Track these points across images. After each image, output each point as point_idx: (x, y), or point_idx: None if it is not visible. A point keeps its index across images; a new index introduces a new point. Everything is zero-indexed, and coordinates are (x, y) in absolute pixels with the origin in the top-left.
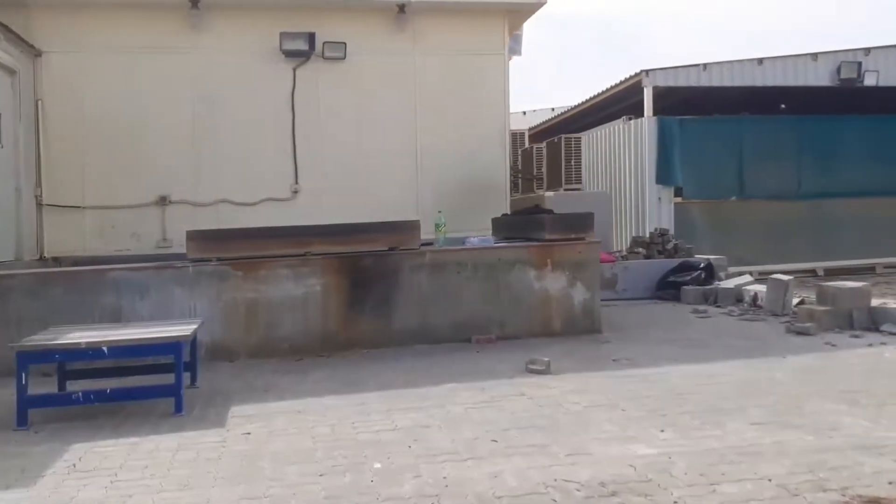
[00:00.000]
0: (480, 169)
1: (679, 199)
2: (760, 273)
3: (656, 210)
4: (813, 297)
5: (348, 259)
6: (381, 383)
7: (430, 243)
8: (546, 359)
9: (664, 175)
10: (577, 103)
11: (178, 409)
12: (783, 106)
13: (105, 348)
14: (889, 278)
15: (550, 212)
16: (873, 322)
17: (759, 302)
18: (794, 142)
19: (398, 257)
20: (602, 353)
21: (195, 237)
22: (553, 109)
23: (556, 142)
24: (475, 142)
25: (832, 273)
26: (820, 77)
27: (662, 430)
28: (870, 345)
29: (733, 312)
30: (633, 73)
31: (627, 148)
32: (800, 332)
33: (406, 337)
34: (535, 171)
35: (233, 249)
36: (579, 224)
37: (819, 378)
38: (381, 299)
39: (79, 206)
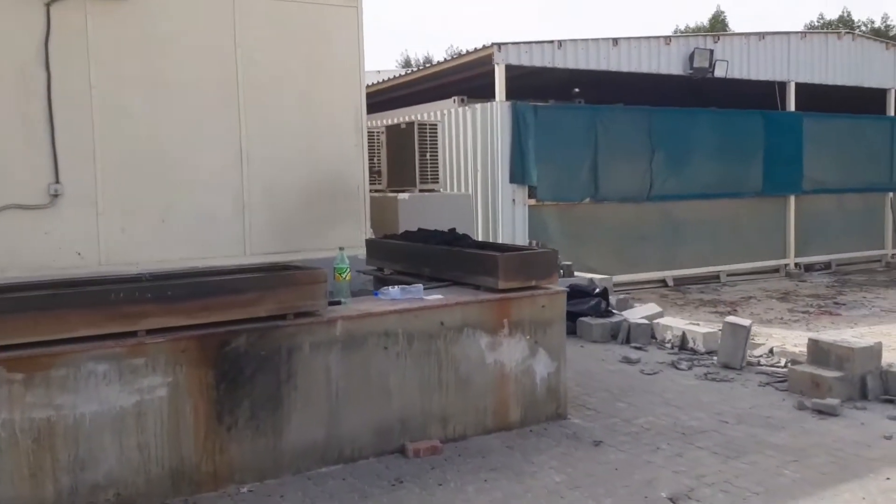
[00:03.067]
0: (329, 163)
1: (532, 201)
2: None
3: (510, 214)
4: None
5: (211, 340)
6: None
7: (336, 302)
8: None
9: (519, 172)
10: (397, 75)
11: None
12: (576, 90)
13: None
14: (737, 288)
15: (468, 238)
16: (885, 390)
17: (690, 345)
18: (645, 136)
19: (293, 331)
20: (626, 477)
21: None
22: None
23: (403, 127)
24: (322, 125)
25: (680, 283)
26: (673, 63)
27: None
28: None
29: (679, 364)
30: (481, 46)
31: (472, 137)
32: (822, 412)
33: (307, 457)
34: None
35: (4, 329)
36: (541, 264)
37: None
38: (267, 401)
39: None
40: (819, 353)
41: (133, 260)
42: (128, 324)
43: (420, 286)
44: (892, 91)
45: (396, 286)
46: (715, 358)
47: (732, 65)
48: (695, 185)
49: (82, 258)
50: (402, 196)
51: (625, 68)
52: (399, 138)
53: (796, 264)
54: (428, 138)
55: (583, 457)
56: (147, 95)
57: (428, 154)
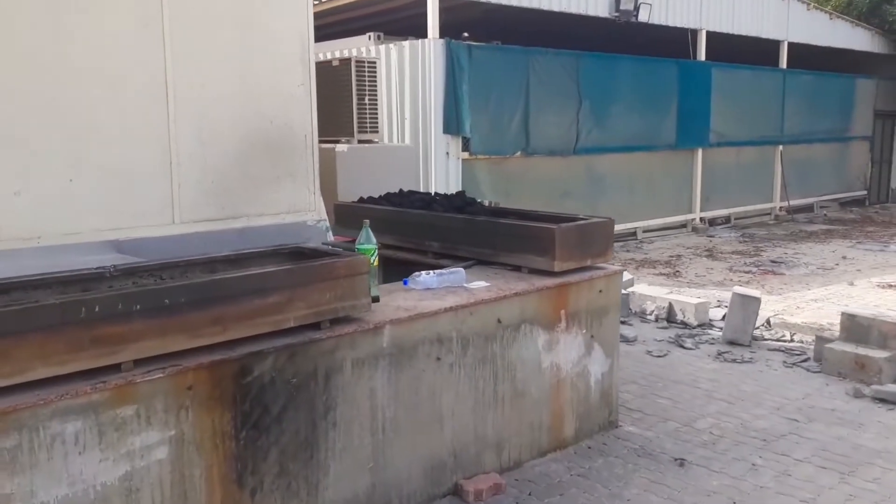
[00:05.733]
0: (271, 106)
1: (466, 155)
2: None
3: (444, 168)
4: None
5: (227, 367)
6: None
7: (375, 298)
8: None
9: (453, 122)
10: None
11: None
12: (465, 35)
13: None
14: (656, 245)
15: (478, 203)
16: None
17: (679, 318)
18: (574, 84)
19: (332, 346)
20: None
21: None
22: None
23: (335, 65)
24: (261, 58)
25: None
26: (600, 3)
27: None
28: None
29: (683, 343)
30: None
31: (398, 80)
32: (886, 400)
33: None
34: None
35: None
36: (598, 238)
37: None
38: (300, 448)
39: None
40: (857, 329)
41: (33, 233)
42: (107, 353)
43: (461, 270)
44: (785, 43)
45: (431, 271)
46: (712, 332)
47: (653, 10)
48: (616, 138)
49: None
50: (339, 147)
51: (556, 7)
52: (330, 78)
53: (701, 219)
54: (367, 79)
55: (679, 485)
56: (46, 12)
57: (367, 98)
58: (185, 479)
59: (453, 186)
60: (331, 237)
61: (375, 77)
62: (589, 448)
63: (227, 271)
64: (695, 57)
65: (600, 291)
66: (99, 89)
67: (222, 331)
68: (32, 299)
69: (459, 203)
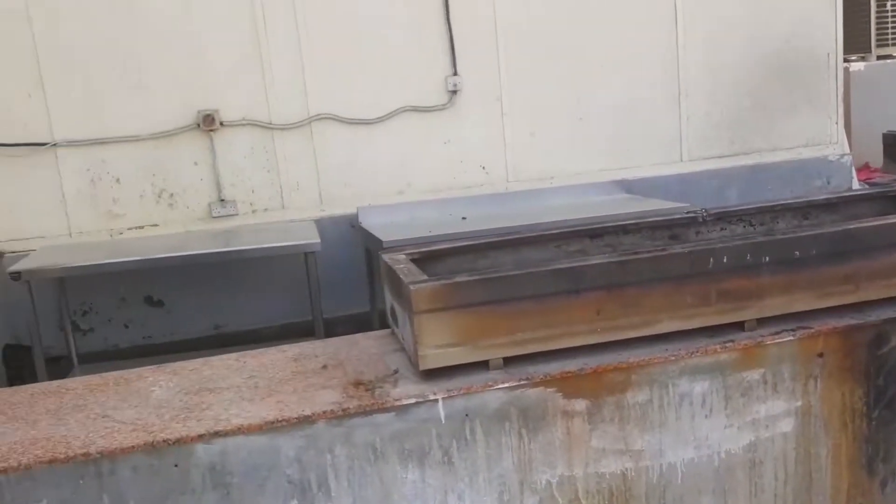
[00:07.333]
0: (785, 21)
1: None
2: None
3: None
4: None
5: (861, 335)
6: None
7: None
8: None
9: None
10: None
11: None
12: None
13: None
14: None
15: None
16: None
17: None
18: None
19: None
20: None
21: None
22: None
23: None
24: None
25: None
26: None
27: None
28: None
29: None
30: None
31: None
32: None
33: None
34: None
35: (551, 322)
36: None
37: None
38: None
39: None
40: None
41: (545, 173)
42: (731, 310)
43: None
44: None
45: None
46: None
47: None
48: None
49: (487, 173)
50: (854, 66)
51: None
52: None
53: None
54: None
55: None
56: None
57: (889, 3)
58: (810, 457)
59: None
60: (854, 175)
61: None
62: None
63: (827, 218)
64: None
65: None
66: (601, 26)
67: (854, 290)
68: (658, 246)
69: None
